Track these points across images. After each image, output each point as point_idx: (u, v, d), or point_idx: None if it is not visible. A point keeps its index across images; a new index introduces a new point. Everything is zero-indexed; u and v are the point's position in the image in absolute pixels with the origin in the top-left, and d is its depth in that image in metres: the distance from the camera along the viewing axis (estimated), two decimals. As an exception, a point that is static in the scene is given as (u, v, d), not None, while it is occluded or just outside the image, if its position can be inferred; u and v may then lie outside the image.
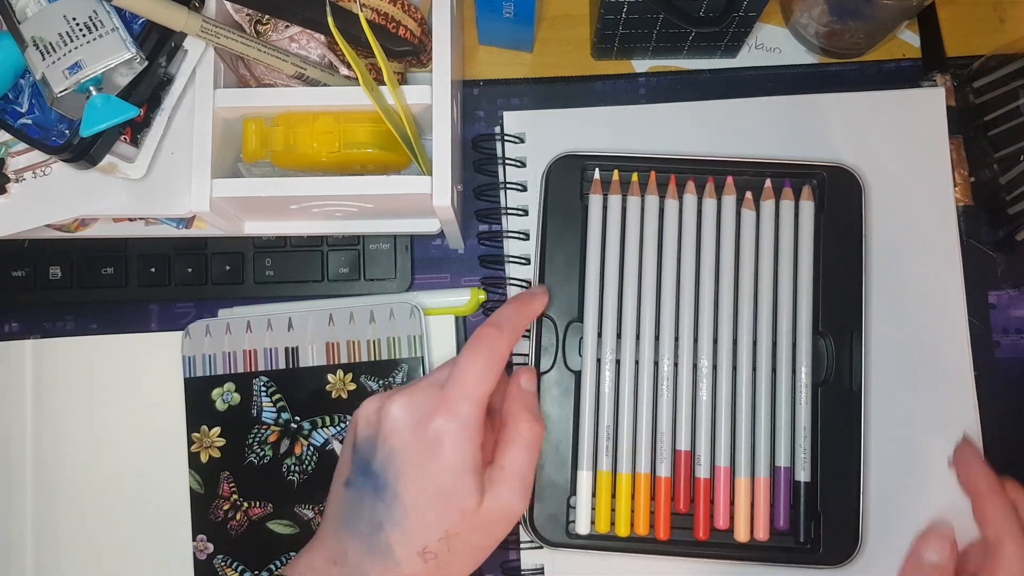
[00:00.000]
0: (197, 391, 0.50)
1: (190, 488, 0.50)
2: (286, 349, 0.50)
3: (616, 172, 0.51)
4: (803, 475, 0.48)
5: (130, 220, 0.51)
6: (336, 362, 0.50)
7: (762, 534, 0.48)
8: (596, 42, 0.53)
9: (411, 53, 0.48)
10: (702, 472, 0.48)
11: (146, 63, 0.43)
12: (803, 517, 0.48)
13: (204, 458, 0.50)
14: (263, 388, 0.50)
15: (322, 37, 0.48)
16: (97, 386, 0.53)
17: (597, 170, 0.51)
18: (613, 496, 0.48)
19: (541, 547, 0.49)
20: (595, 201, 0.51)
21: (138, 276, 0.54)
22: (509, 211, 0.53)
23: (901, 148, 0.52)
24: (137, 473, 0.52)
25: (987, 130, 0.52)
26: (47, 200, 0.46)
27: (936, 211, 0.52)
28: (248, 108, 0.46)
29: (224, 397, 0.50)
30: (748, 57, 0.56)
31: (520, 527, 0.50)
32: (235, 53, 0.44)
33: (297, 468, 0.49)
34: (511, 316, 0.44)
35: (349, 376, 0.50)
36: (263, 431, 0.50)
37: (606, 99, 0.55)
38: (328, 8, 0.43)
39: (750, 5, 0.48)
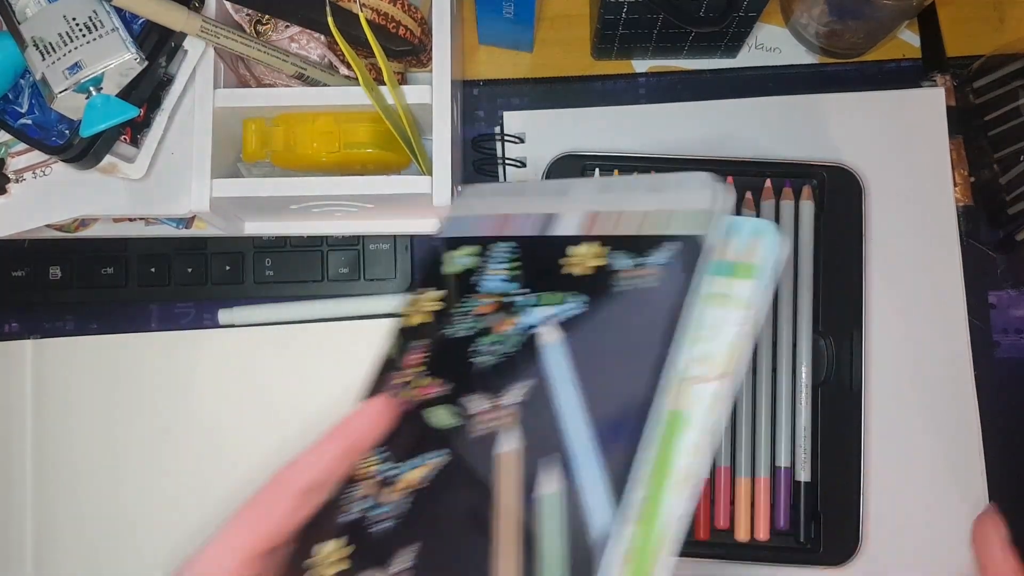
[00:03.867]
0: (432, 253, 0.39)
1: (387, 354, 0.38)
2: (544, 216, 0.37)
3: (616, 172, 0.51)
4: (803, 475, 0.48)
5: (130, 220, 0.51)
6: (588, 233, 0.35)
7: (762, 534, 0.48)
8: (596, 42, 0.53)
9: (411, 53, 0.48)
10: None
11: (146, 63, 0.43)
12: (803, 517, 0.48)
13: (414, 322, 0.38)
14: (500, 255, 0.37)
15: (322, 37, 0.47)
16: (97, 386, 0.53)
17: (597, 170, 0.51)
18: (613, 496, 0.48)
19: (541, 547, 0.49)
20: (595, 201, 0.51)
21: (138, 276, 0.54)
22: (509, 211, 0.53)
23: (901, 148, 0.52)
24: (136, 473, 0.52)
25: (987, 130, 0.52)
26: (47, 200, 0.46)
27: (936, 211, 0.52)
28: (248, 108, 0.46)
29: (460, 260, 0.38)
30: (748, 57, 0.56)
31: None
32: (235, 53, 0.44)
33: (490, 350, 0.36)
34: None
35: (595, 248, 0.35)
36: (477, 301, 0.37)
37: (606, 99, 0.55)
38: (328, 8, 0.43)
39: (750, 5, 0.47)
